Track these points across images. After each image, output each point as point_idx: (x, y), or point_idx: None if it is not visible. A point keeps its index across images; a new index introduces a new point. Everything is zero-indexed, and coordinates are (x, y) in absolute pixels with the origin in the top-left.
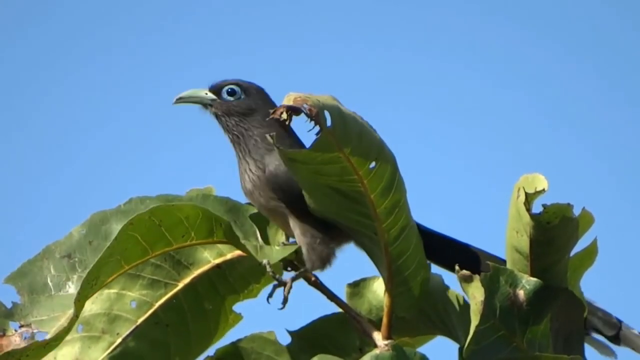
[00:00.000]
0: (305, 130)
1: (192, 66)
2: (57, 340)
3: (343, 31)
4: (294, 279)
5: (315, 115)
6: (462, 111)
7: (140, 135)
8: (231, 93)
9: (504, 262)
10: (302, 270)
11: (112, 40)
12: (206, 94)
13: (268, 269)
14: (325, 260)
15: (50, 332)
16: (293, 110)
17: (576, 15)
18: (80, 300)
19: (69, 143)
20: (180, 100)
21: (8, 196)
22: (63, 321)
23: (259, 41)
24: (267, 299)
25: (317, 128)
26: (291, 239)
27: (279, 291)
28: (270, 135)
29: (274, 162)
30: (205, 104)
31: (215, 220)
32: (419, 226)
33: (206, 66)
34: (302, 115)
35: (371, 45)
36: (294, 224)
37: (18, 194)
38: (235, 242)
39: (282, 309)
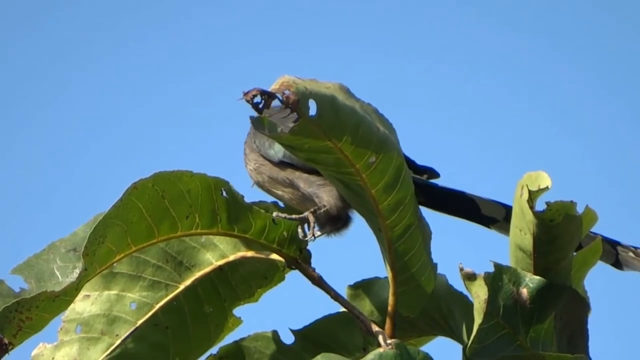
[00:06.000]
0: None
1: (200, 67)
2: (67, 295)
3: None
4: (313, 213)
5: (294, 103)
6: (465, 109)
7: (147, 135)
8: None
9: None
10: (320, 205)
11: (111, 44)
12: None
13: (281, 216)
14: (337, 198)
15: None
16: (268, 95)
17: (579, 16)
18: (88, 255)
19: (72, 144)
20: None
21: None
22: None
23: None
24: (302, 240)
25: (296, 115)
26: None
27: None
28: (250, 117)
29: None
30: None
31: (214, 187)
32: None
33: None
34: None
35: (373, 48)
36: (302, 183)
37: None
38: (239, 207)
39: (313, 240)
